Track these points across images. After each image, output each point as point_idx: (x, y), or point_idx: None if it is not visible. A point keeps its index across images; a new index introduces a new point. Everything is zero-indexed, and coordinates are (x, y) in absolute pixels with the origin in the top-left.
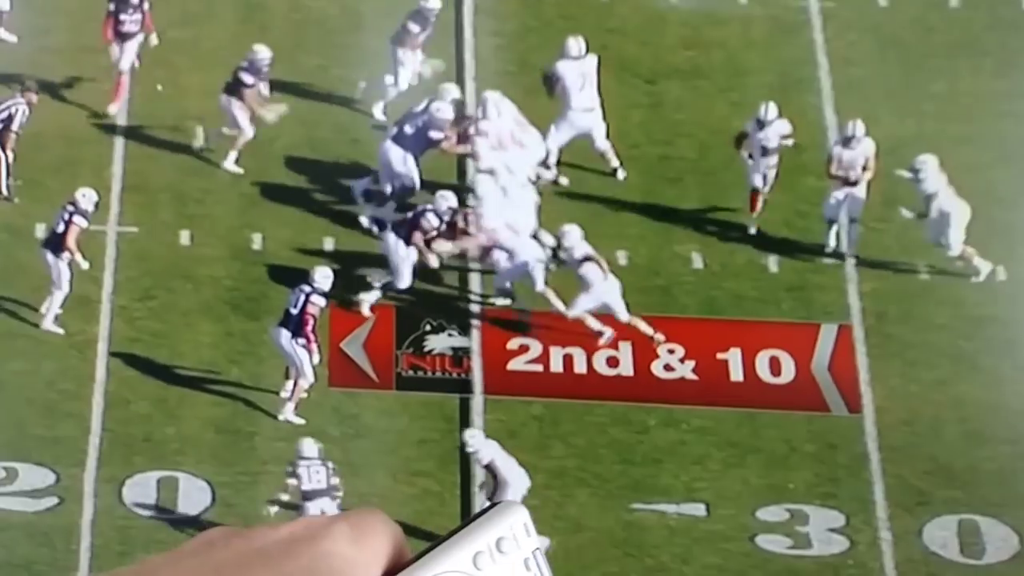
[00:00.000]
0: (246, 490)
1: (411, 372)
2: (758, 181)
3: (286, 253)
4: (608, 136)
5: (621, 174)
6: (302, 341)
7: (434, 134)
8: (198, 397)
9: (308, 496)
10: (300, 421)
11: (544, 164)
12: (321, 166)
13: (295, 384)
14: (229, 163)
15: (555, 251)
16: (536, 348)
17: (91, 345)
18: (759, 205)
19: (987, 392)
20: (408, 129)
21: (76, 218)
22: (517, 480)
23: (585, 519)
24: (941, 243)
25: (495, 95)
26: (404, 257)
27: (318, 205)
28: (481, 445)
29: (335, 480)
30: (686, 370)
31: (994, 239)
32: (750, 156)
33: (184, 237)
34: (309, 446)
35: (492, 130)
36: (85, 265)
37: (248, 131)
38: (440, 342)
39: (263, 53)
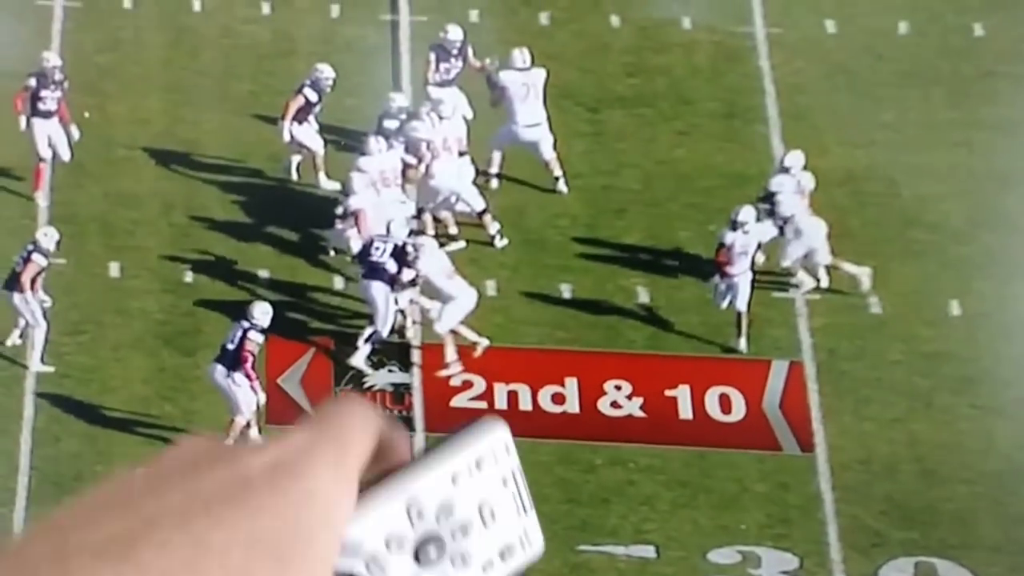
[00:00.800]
0: None
1: None
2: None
3: (219, 285)
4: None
5: (563, 187)
6: (239, 377)
7: (406, 157)
8: (129, 435)
9: None
10: None
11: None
12: (254, 193)
13: (232, 422)
14: (324, 183)
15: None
16: (480, 385)
17: (18, 381)
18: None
19: (943, 431)
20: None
21: (35, 256)
22: None
23: None
24: (805, 264)
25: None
26: (390, 304)
27: (251, 234)
28: None
29: None
30: (634, 407)
31: (948, 273)
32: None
33: (114, 269)
34: None
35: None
36: (47, 302)
37: (320, 146)
38: (380, 378)
39: (327, 72)
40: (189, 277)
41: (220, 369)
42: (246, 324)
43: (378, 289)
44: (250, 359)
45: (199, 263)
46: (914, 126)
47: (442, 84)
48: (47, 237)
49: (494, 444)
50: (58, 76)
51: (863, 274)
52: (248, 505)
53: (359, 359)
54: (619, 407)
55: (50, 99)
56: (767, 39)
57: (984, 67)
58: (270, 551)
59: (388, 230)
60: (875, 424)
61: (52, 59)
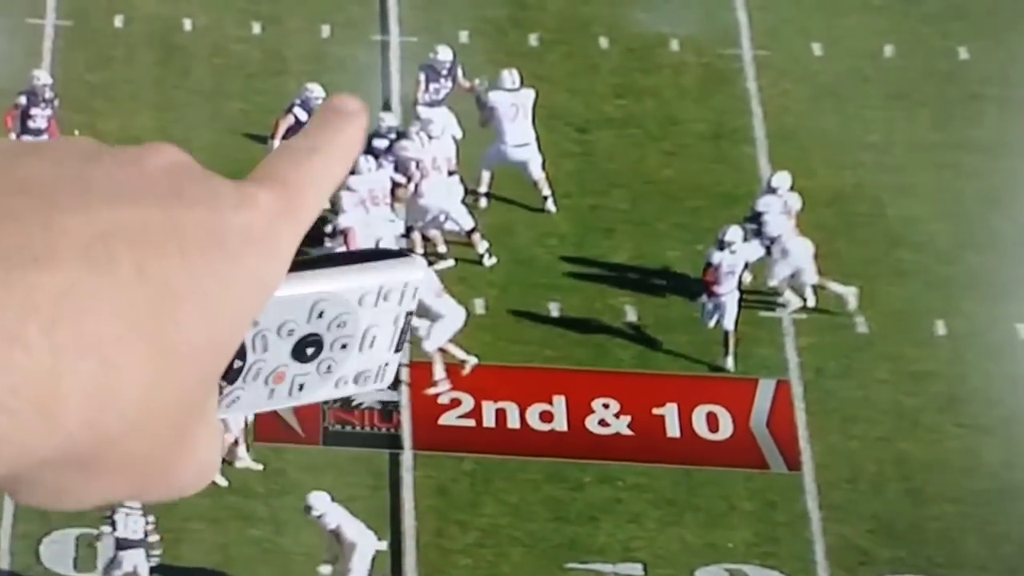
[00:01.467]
0: (169, 548)
1: (339, 427)
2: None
3: None
4: (544, 168)
5: (551, 206)
6: None
7: (396, 177)
8: None
9: (121, 545)
10: (222, 482)
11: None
12: None
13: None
14: None
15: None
16: (468, 402)
17: None
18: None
19: (930, 449)
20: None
21: None
22: (366, 543)
23: None
24: (792, 284)
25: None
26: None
27: None
28: (327, 509)
29: (154, 537)
30: (621, 425)
31: (934, 293)
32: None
33: None
34: None
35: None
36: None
37: None
38: (369, 396)
39: (317, 91)
40: None
41: None
42: None
43: None
44: None
45: None
46: (900, 147)
47: (432, 104)
48: None
49: (406, 284)
50: (48, 94)
51: (849, 294)
52: (213, 264)
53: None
54: (607, 425)
55: (40, 117)
56: (754, 61)
57: (969, 90)
58: (214, 310)
59: None
60: (862, 443)
61: (42, 77)
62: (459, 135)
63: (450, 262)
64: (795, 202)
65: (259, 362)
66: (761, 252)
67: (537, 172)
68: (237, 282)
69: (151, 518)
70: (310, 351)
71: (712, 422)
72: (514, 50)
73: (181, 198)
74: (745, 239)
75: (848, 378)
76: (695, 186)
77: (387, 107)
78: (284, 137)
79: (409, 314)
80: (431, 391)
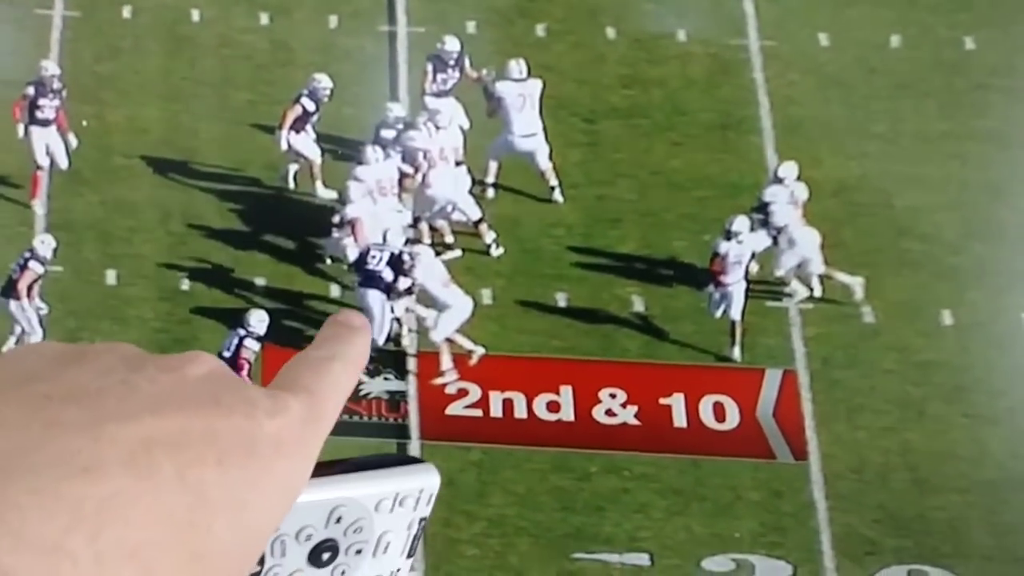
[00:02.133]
0: None
1: (346, 417)
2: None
3: (216, 293)
4: (551, 158)
5: (559, 196)
6: None
7: (404, 167)
8: None
9: None
10: None
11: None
12: (251, 202)
13: None
14: (321, 192)
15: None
16: (475, 393)
17: None
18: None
19: (936, 440)
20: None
21: (32, 263)
22: None
23: (526, 569)
24: (798, 274)
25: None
26: (386, 312)
27: (248, 242)
28: None
29: None
30: (628, 415)
31: (941, 283)
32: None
33: (110, 277)
34: None
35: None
36: (44, 309)
37: (317, 155)
38: (376, 386)
39: (324, 82)
40: (186, 285)
41: None
42: (242, 332)
43: (374, 297)
44: (246, 367)
45: (196, 271)
46: (906, 138)
47: (439, 94)
48: (44, 244)
49: (422, 491)
50: (56, 85)
51: (856, 284)
52: (248, 472)
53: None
54: (614, 415)
55: (48, 108)
56: (761, 51)
57: (976, 80)
58: (246, 517)
59: (384, 239)
60: (868, 433)
61: (51, 68)
62: (466, 125)
63: (457, 252)
64: (802, 192)
65: (276, 567)
66: (768, 242)
67: (544, 162)
68: (268, 489)
69: None
70: (326, 556)
71: (719, 412)
72: (521, 40)
73: (219, 406)
74: (752, 229)
75: (854, 368)
76: (702, 176)
77: (394, 98)
78: (292, 127)
79: (423, 520)
80: (438, 381)
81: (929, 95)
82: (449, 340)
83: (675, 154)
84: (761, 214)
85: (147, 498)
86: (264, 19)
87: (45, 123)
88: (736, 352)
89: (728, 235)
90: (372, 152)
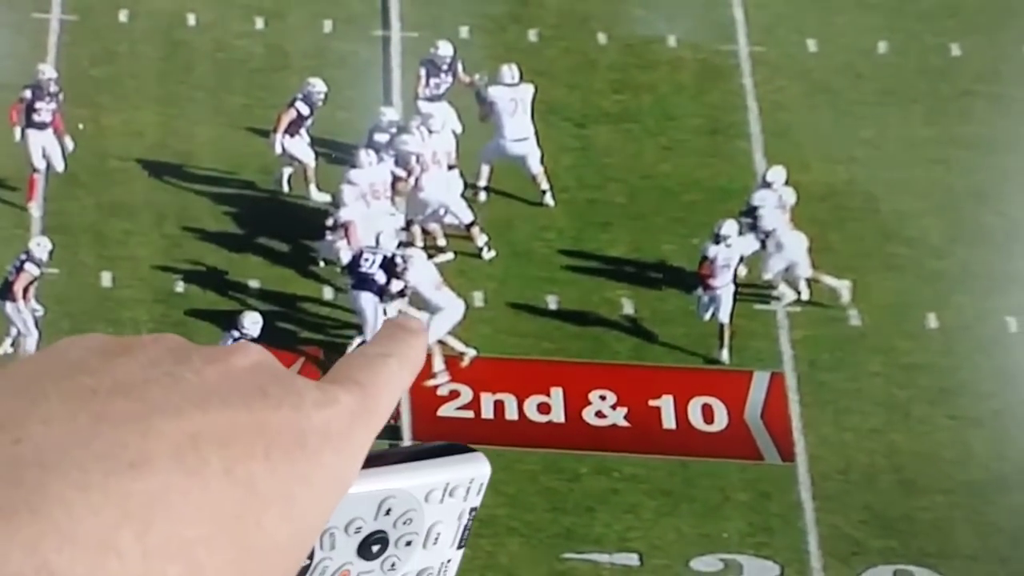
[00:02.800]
0: None
1: None
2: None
3: (210, 295)
4: (543, 162)
5: (550, 200)
6: None
7: (396, 171)
8: None
9: None
10: None
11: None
12: (245, 205)
13: None
14: (315, 195)
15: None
16: (467, 394)
17: None
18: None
19: (921, 441)
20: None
21: (28, 265)
22: None
23: (516, 569)
24: (786, 277)
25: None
26: (379, 314)
27: (242, 245)
28: None
29: None
30: (618, 417)
31: (926, 287)
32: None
33: (106, 279)
34: None
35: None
36: (39, 311)
37: (311, 159)
38: None
39: (319, 86)
40: (180, 287)
41: None
42: (236, 334)
43: (367, 300)
44: None
45: (191, 273)
46: (893, 143)
47: (432, 99)
48: (40, 247)
49: (472, 480)
50: (53, 88)
51: (843, 287)
52: (297, 465)
53: None
54: (603, 417)
55: (45, 111)
56: (750, 57)
57: (961, 86)
58: (295, 510)
59: (377, 242)
60: (854, 434)
61: (47, 71)
62: (459, 130)
63: (449, 255)
64: (790, 196)
65: (325, 560)
66: (756, 246)
67: (536, 167)
68: (317, 482)
69: None
70: (375, 548)
71: (707, 414)
72: (513, 45)
73: (267, 398)
74: (740, 233)
75: (841, 370)
76: (691, 181)
77: (388, 102)
78: (286, 131)
79: (473, 510)
80: (430, 383)
81: (915, 101)
82: (441, 342)
83: (665, 158)
84: (749, 218)
85: (195, 493)
86: (259, 24)
87: (42, 126)
88: (724, 354)
89: (717, 239)
90: (365, 156)
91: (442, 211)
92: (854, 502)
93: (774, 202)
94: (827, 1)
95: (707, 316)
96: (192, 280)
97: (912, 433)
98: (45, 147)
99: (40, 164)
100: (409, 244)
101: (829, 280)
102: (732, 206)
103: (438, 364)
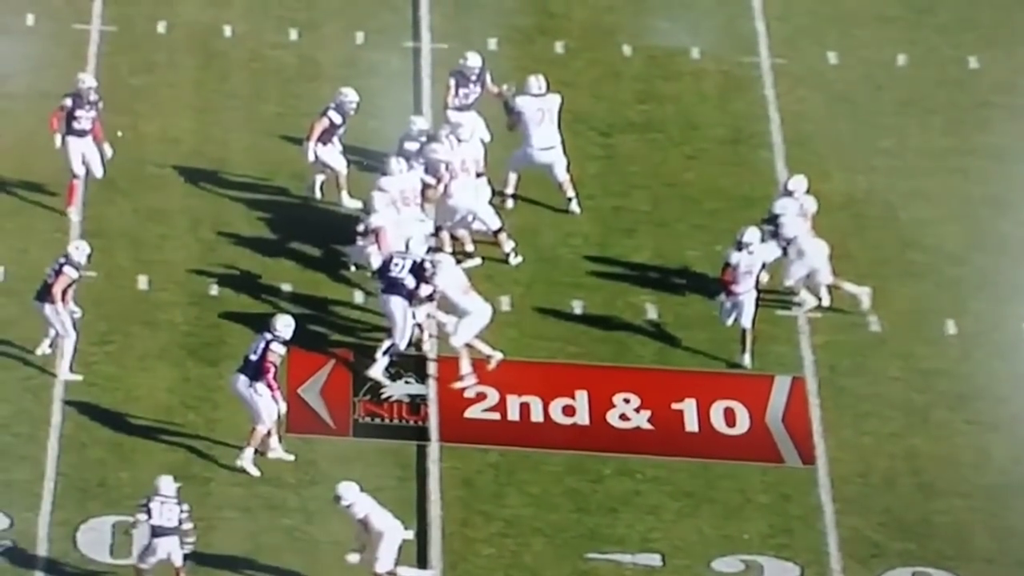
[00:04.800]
0: (202, 536)
1: (368, 419)
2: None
3: (244, 298)
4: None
5: (576, 207)
6: (260, 387)
7: (426, 178)
8: (154, 442)
9: (156, 532)
10: (254, 472)
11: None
12: (278, 210)
13: (253, 431)
14: (347, 202)
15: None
16: (493, 396)
17: (46, 388)
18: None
19: (939, 445)
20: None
21: (66, 268)
22: (394, 533)
23: (540, 569)
24: (807, 284)
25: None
26: (408, 318)
27: (275, 250)
28: (356, 498)
29: (188, 525)
30: (641, 420)
31: (945, 293)
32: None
33: (142, 282)
34: (167, 484)
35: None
36: (77, 313)
37: (343, 166)
38: (398, 389)
39: (351, 96)
40: (215, 290)
41: (242, 379)
42: (269, 336)
43: (396, 303)
44: (272, 370)
45: (225, 277)
46: (912, 153)
47: (461, 108)
48: (78, 251)
49: None
50: (93, 97)
51: (863, 293)
52: None
53: (377, 371)
54: (627, 419)
55: (85, 119)
56: (772, 69)
57: (979, 98)
58: None
59: (407, 247)
60: (874, 438)
61: (87, 80)
62: (487, 138)
63: (477, 260)
64: (811, 205)
65: None
66: (778, 253)
67: (562, 174)
68: None
69: (185, 507)
70: None
71: (729, 417)
72: (540, 57)
73: None
74: (763, 240)
75: (861, 375)
76: (714, 189)
77: (418, 111)
78: (319, 139)
79: None
80: (457, 385)
81: (934, 112)
82: (468, 345)
83: (689, 167)
84: (771, 225)
85: None
86: (293, 35)
87: (82, 134)
88: (747, 359)
89: (739, 246)
90: (396, 164)
91: (470, 217)
92: (873, 505)
93: (795, 210)
94: (847, 14)
95: (730, 321)
96: (226, 284)
97: (931, 437)
98: (85, 154)
99: (80, 171)
100: (438, 250)
101: (850, 287)
102: (755, 214)
103: (465, 367)
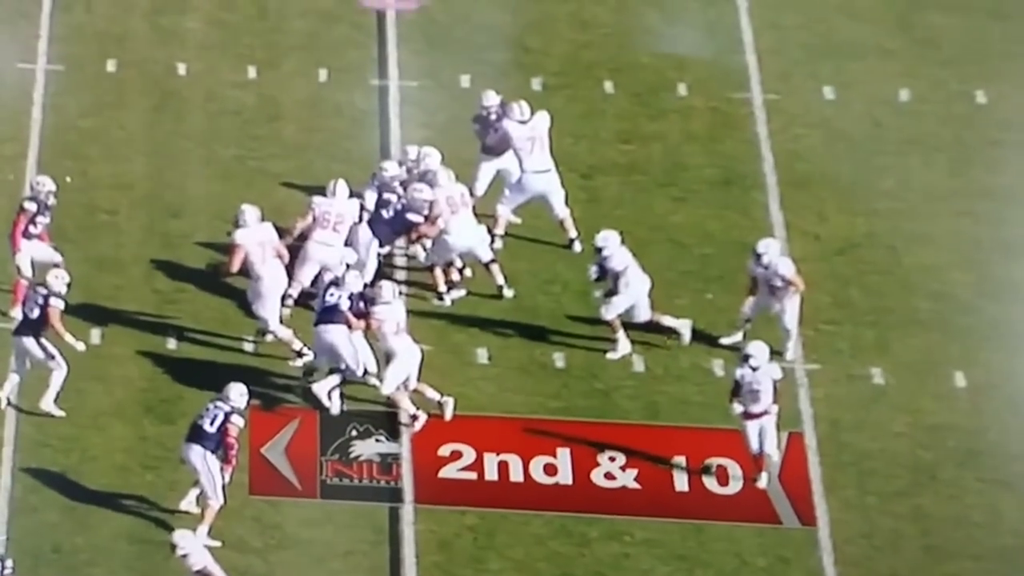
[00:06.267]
0: None
1: (336, 480)
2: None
3: (204, 352)
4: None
5: (578, 246)
6: (215, 463)
7: (413, 216)
8: (110, 506)
9: None
10: (216, 543)
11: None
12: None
13: (205, 504)
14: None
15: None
16: (470, 455)
17: None
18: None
19: (948, 505)
20: (384, 214)
21: (53, 300)
22: None
23: None
24: (624, 318)
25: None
26: (354, 343)
27: (237, 300)
28: (192, 548)
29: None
30: (628, 479)
31: (953, 343)
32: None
33: (95, 335)
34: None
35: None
36: (80, 347)
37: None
38: (367, 448)
39: (46, 184)
40: (172, 344)
41: (196, 449)
42: (226, 408)
43: (337, 332)
44: (235, 447)
45: (183, 330)
46: (916, 194)
47: (490, 153)
48: (58, 280)
49: None
50: (52, 201)
51: (683, 327)
52: None
53: (322, 389)
54: (613, 478)
55: (40, 223)
56: (765, 105)
57: (988, 135)
58: None
59: (342, 280)
60: (878, 498)
61: (47, 184)
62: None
63: (462, 292)
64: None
65: None
66: (779, 374)
67: (561, 208)
68: None
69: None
70: None
71: (722, 475)
72: (517, 94)
73: None
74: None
75: (864, 431)
76: (704, 233)
77: (386, 154)
78: (24, 235)
79: None
80: (417, 426)
81: (939, 150)
82: (417, 391)
83: (676, 210)
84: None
85: None
86: (252, 73)
87: (34, 238)
88: (763, 479)
89: (745, 358)
90: (339, 185)
91: (465, 253)
92: (879, 569)
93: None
94: (844, 47)
95: (757, 447)
96: (185, 337)
97: (939, 496)
98: (35, 257)
99: (29, 273)
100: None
101: (669, 321)
102: (747, 259)
103: (409, 408)
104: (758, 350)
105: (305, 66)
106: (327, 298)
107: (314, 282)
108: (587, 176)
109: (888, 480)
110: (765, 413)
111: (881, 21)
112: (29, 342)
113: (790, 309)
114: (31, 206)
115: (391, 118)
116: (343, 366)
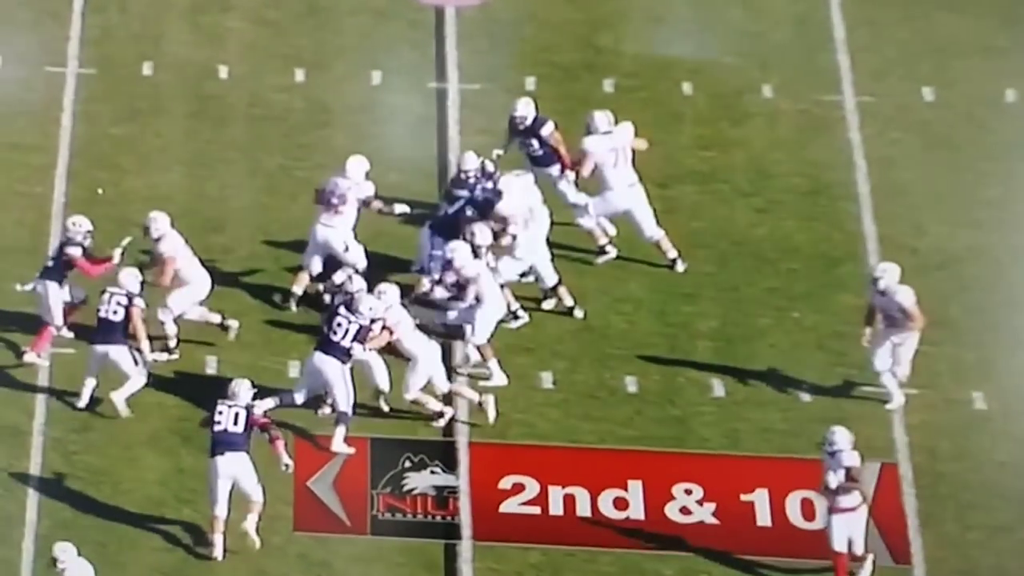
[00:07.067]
0: None
1: (388, 515)
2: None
3: (243, 376)
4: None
5: (681, 266)
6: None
7: (494, 225)
8: (143, 541)
9: None
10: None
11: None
12: (283, 278)
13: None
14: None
15: None
16: (533, 487)
17: (20, 481)
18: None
19: None
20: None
21: (136, 300)
22: None
23: None
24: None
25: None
26: (347, 379)
27: (281, 322)
28: (70, 562)
29: None
30: (705, 513)
31: None
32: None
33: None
34: None
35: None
36: (170, 356)
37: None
38: (422, 480)
39: (83, 224)
40: (212, 368)
41: (236, 456)
42: (240, 404)
43: (333, 367)
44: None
45: (223, 352)
46: (1022, 204)
47: (535, 163)
48: (134, 278)
49: None
50: (88, 242)
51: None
52: None
53: (339, 445)
54: (689, 513)
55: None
56: (857, 108)
57: None
58: None
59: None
60: (980, 533)
61: (83, 224)
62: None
63: (525, 318)
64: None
65: None
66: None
67: (651, 229)
68: None
69: None
70: None
71: (807, 509)
72: (586, 97)
73: None
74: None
75: (964, 460)
76: (790, 247)
77: (443, 160)
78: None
79: None
80: (441, 423)
81: None
82: (455, 393)
83: (759, 222)
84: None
85: None
86: (299, 76)
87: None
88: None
89: (827, 445)
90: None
91: (530, 271)
92: None
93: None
94: (945, 44)
95: (839, 546)
96: (226, 360)
97: None
98: (65, 302)
99: (59, 322)
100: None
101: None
102: (837, 275)
103: (435, 405)
104: (842, 437)
105: (357, 68)
106: (335, 326)
107: (321, 277)
108: (663, 185)
109: (990, 514)
110: (856, 506)
111: (985, 16)
112: (115, 350)
113: (906, 347)
114: (75, 251)
115: (450, 124)
116: (329, 401)
